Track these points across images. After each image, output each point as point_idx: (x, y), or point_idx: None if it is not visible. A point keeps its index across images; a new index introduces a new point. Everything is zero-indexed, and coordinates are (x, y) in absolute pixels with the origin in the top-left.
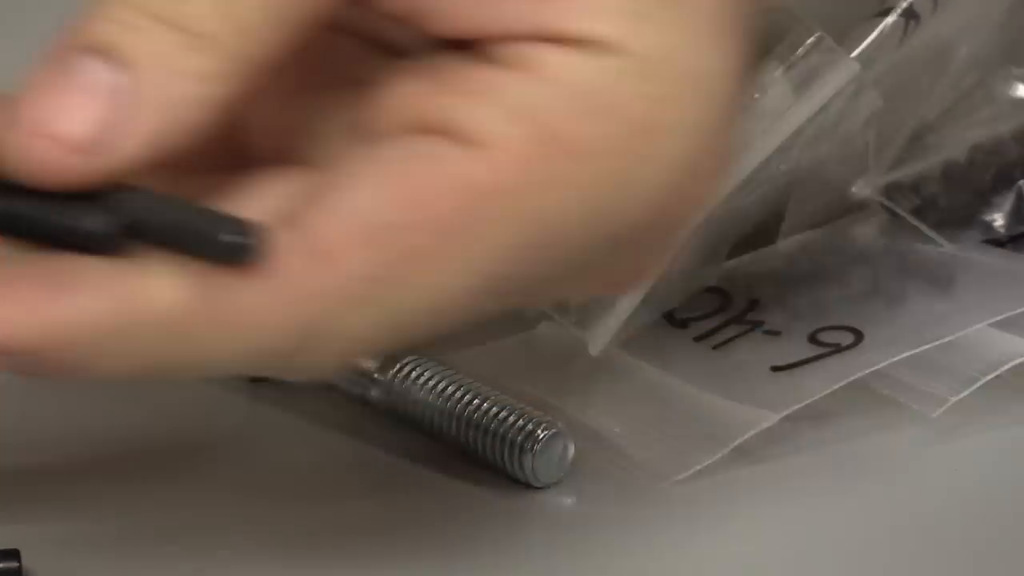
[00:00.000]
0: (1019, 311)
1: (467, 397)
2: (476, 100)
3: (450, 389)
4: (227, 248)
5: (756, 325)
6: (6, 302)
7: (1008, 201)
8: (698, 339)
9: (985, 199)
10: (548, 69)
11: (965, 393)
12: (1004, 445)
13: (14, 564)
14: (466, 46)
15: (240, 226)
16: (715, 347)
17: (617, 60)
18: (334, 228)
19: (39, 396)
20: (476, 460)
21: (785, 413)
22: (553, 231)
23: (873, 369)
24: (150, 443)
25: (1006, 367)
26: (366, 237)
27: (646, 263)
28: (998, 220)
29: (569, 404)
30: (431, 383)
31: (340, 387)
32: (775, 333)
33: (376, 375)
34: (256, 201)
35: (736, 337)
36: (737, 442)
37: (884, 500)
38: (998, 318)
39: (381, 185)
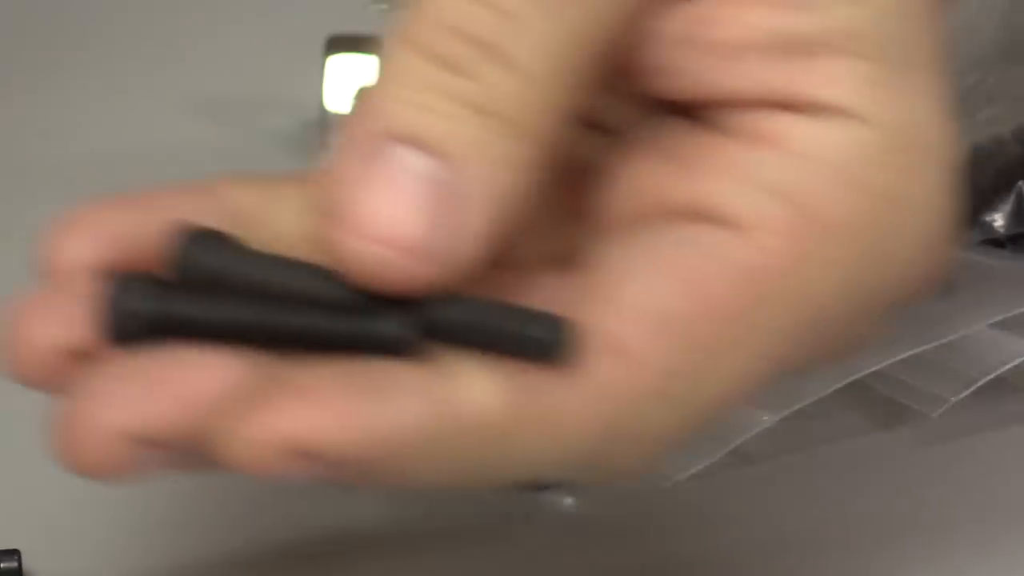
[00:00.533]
0: (1019, 312)
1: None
2: (729, 180)
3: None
4: (541, 345)
5: None
6: (315, 408)
7: (1008, 201)
8: None
9: (985, 199)
10: (794, 141)
11: (965, 394)
12: (1004, 445)
13: (14, 564)
14: (689, 113)
15: (551, 321)
16: None
17: (862, 130)
18: (627, 325)
19: (38, 396)
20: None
21: (785, 414)
22: (820, 309)
23: (873, 370)
24: None
25: (1006, 367)
26: (658, 331)
27: (868, 333)
28: (998, 220)
29: None
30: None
31: None
32: None
33: None
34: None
35: None
36: (737, 443)
37: (884, 500)
38: (998, 319)
39: (661, 278)
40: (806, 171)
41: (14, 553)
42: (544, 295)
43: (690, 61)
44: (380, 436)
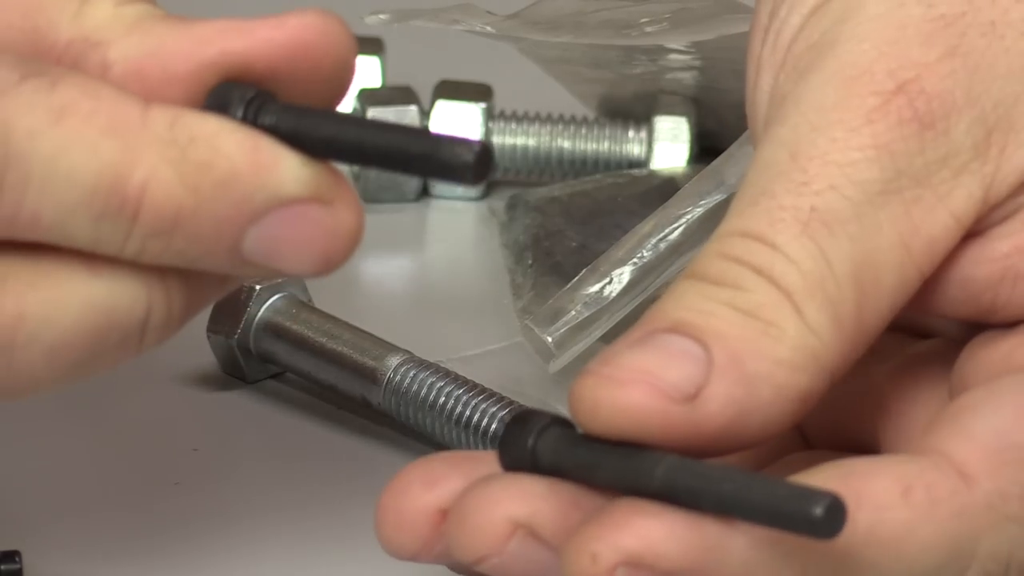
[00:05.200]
0: None
1: (468, 400)
2: None
3: (451, 391)
4: (821, 523)
5: None
6: (661, 527)
7: None
8: None
9: None
10: None
11: None
12: None
13: (14, 564)
14: None
15: (821, 494)
16: None
17: None
18: (968, 450)
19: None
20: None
21: None
22: None
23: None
24: (150, 445)
25: None
26: (1001, 456)
27: None
28: None
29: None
30: (432, 386)
31: (340, 389)
32: None
33: (376, 378)
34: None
35: None
36: None
37: None
38: None
39: (1008, 407)
40: None
41: (14, 554)
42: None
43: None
44: (703, 556)
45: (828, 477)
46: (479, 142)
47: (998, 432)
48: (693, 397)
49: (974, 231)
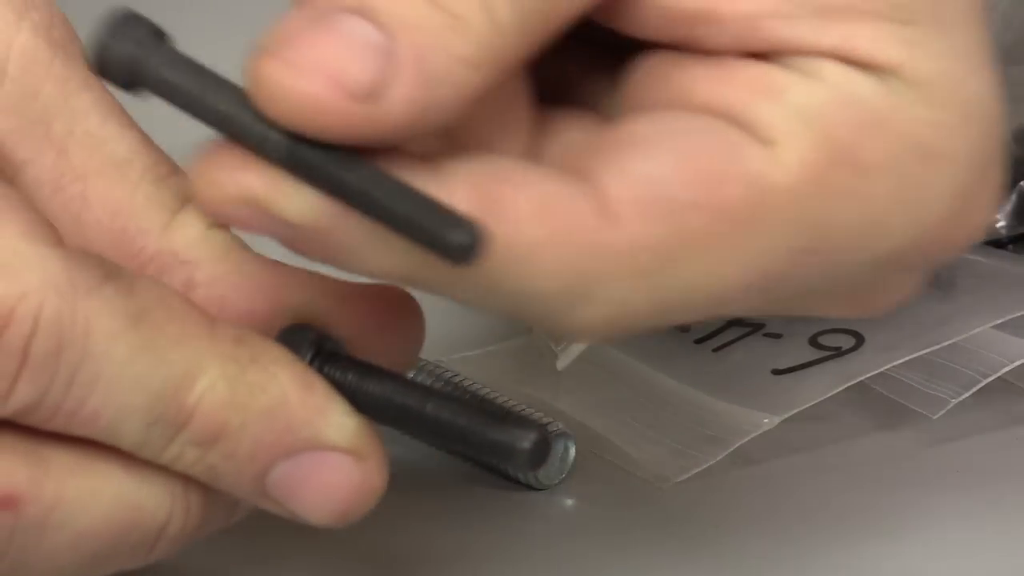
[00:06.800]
0: (1020, 313)
1: (468, 400)
2: (770, 99)
3: (451, 391)
4: (457, 250)
5: (757, 328)
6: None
7: (1009, 202)
8: (699, 342)
9: None
10: (837, 81)
11: (966, 395)
12: (1005, 446)
13: None
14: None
15: (462, 222)
16: (716, 350)
17: (900, 84)
18: (624, 191)
19: None
20: (477, 462)
21: (786, 416)
22: (830, 240)
23: (875, 373)
24: None
25: (1007, 369)
26: (653, 206)
27: (900, 290)
28: (999, 221)
29: (570, 406)
30: (433, 386)
31: None
32: (776, 336)
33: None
34: (551, 143)
35: (737, 340)
36: (738, 444)
37: (884, 500)
38: (999, 320)
39: (673, 156)
40: (843, 108)
41: None
42: (564, 140)
43: (751, 20)
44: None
45: (475, 177)
46: (537, 428)
47: (654, 180)
48: (373, 95)
49: None
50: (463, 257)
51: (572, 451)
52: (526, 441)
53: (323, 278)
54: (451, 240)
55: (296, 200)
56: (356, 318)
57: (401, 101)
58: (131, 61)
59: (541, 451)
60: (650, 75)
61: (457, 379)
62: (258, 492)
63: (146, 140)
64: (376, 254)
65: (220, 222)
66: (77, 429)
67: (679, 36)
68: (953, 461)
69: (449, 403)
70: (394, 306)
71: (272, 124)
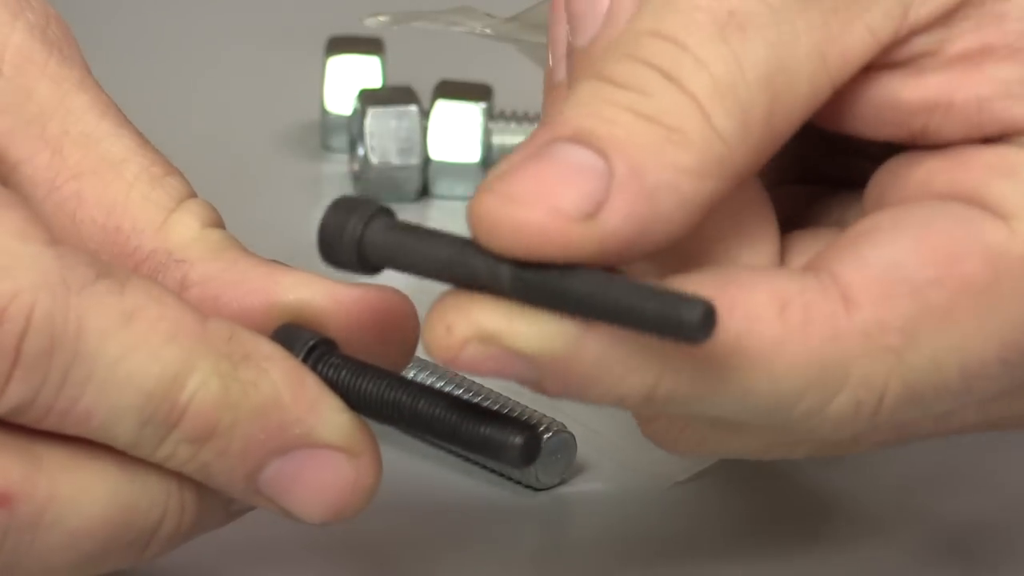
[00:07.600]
0: None
1: (467, 399)
2: (1005, 176)
3: (451, 391)
4: (690, 326)
5: None
6: (520, 311)
7: None
8: None
9: None
10: None
11: None
12: (1006, 445)
13: None
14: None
15: (693, 300)
16: None
17: None
18: (862, 277)
19: None
20: (478, 461)
21: None
22: None
23: None
24: None
25: None
26: (893, 287)
27: None
28: None
29: (571, 406)
30: (433, 384)
31: None
32: None
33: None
34: (795, 258)
35: None
36: None
37: (883, 500)
38: None
39: (910, 238)
40: None
41: None
42: (807, 252)
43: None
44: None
45: (705, 283)
46: (529, 427)
47: (891, 263)
48: (593, 215)
49: (900, 58)
50: (697, 333)
51: (573, 451)
52: (517, 438)
53: (317, 278)
54: (684, 317)
55: (531, 331)
56: (350, 317)
57: (620, 216)
58: (357, 242)
59: (531, 448)
60: (887, 179)
61: (457, 378)
62: (251, 490)
63: (141, 140)
64: (620, 372)
65: (458, 370)
66: (70, 428)
67: (914, 130)
68: (953, 460)
69: (441, 400)
70: (388, 306)
71: (498, 258)
